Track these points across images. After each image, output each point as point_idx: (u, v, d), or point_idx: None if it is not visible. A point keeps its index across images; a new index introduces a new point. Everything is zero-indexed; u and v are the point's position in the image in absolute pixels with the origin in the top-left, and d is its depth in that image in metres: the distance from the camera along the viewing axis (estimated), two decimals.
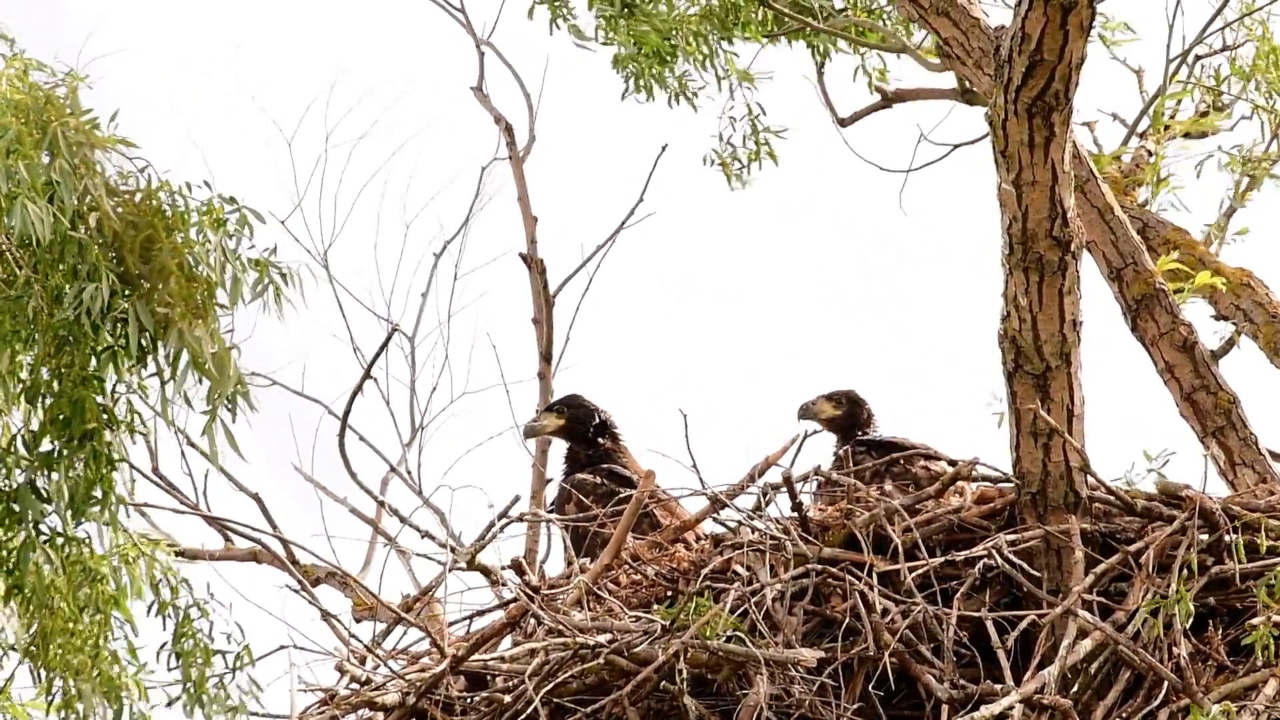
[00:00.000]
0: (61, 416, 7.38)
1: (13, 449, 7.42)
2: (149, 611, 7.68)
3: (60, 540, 7.45)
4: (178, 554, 7.88)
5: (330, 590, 10.89)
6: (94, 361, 7.36)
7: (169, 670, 7.65)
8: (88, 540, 7.52)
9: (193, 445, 8.90)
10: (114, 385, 7.45)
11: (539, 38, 11.78)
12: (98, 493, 7.43)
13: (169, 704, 7.61)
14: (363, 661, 9.32)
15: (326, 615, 9.57)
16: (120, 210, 7.35)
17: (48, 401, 7.39)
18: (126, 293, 7.31)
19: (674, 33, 11.52)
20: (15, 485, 7.41)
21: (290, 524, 10.65)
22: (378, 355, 10.34)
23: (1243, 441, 10.07)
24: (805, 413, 10.30)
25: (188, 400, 7.35)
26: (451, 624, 9.54)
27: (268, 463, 10.69)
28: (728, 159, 11.88)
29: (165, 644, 7.67)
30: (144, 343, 7.31)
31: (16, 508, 7.39)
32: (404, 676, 9.14)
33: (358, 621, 10.39)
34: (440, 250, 11.82)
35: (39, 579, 7.40)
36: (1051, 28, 8.65)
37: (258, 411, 7.50)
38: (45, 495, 7.39)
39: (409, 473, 11.24)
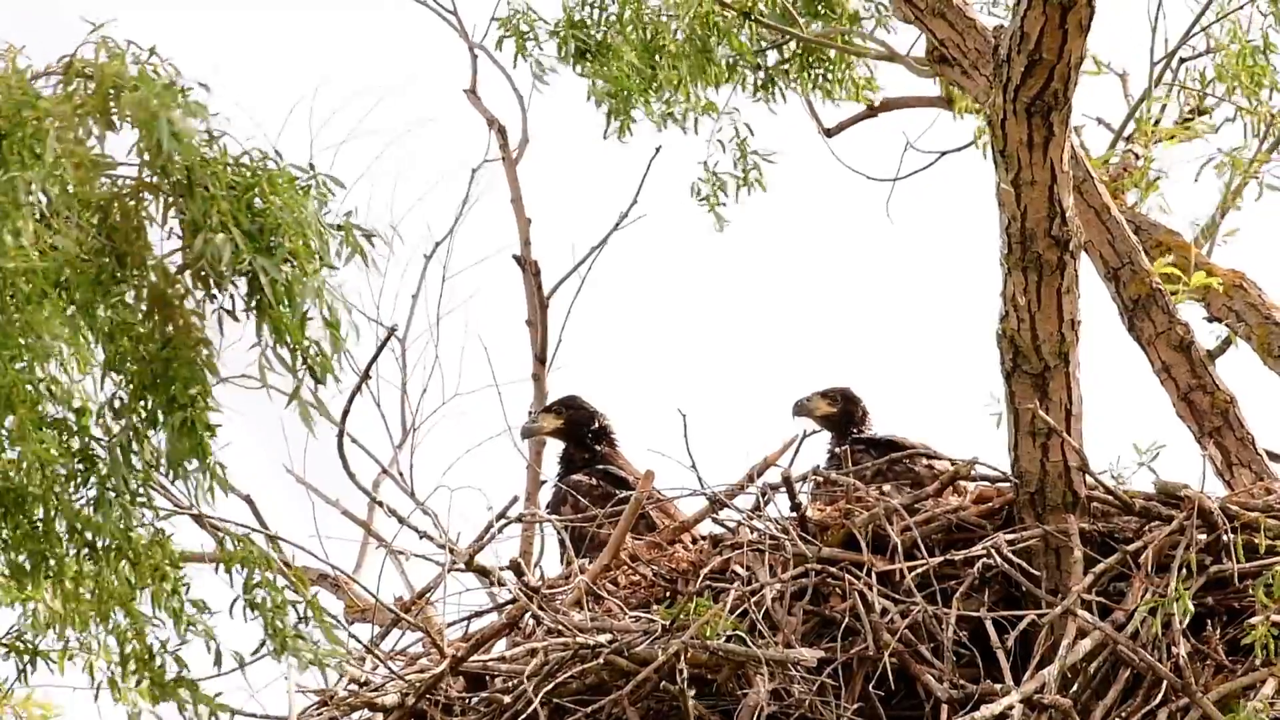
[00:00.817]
0: (159, 380, 7.22)
1: (102, 412, 7.27)
2: (216, 569, 7.61)
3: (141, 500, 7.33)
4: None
5: (322, 592, 10.86)
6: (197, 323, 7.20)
7: (245, 622, 7.56)
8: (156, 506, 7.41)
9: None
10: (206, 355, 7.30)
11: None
12: (193, 462, 7.29)
13: (255, 654, 7.53)
14: (361, 662, 9.30)
15: (323, 616, 9.51)
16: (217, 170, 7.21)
17: (134, 368, 7.23)
18: (252, 250, 7.12)
19: (651, 61, 11.44)
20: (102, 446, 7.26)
21: (282, 526, 10.61)
22: (375, 357, 10.28)
23: (1240, 441, 10.10)
24: (800, 410, 10.29)
25: (311, 363, 7.17)
26: (450, 625, 9.53)
27: (259, 465, 10.66)
28: (712, 192, 11.79)
29: (235, 599, 7.58)
30: (265, 301, 7.14)
31: (104, 469, 7.25)
32: (403, 677, 9.12)
33: (350, 623, 10.36)
34: (430, 252, 11.79)
35: (114, 533, 7.27)
36: (1050, 27, 8.66)
37: (340, 382, 7.38)
38: (144, 461, 7.26)
39: (400, 475, 11.20)
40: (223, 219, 7.02)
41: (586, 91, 11.52)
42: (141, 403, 7.17)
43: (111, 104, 7.02)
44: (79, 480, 7.23)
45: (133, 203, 7.11)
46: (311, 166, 7.21)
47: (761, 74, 11.69)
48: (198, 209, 7.02)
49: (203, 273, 7.10)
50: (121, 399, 7.19)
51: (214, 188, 7.04)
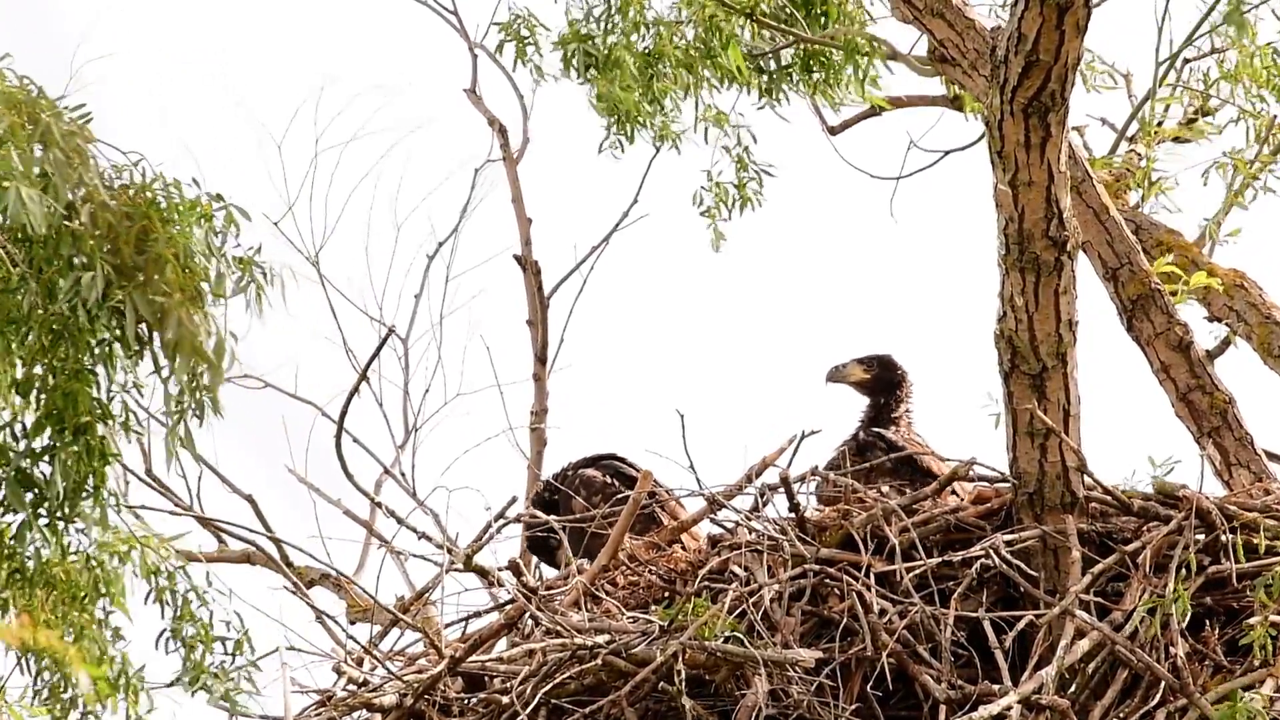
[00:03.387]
0: (55, 410, 7.33)
1: (4, 442, 7.37)
2: (147, 599, 7.67)
3: (61, 526, 7.41)
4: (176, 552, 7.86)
5: (324, 592, 10.89)
6: (89, 355, 7.32)
7: (167, 654, 7.65)
8: (86, 529, 7.48)
9: (185, 447, 8.85)
10: (108, 385, 7.42)
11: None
12: (89, 487, 7.39)
13: (171, 683, 7.59)
14: (360, 663, 9.30)
15: (321, 617, 9.54)
16: (114, 202, 7.31)
17: (41, 397, 7.35)
18: (123, 284, 7.26)
19: (653, 73, 11.40)
20: (6, 476, 7.36)
21: (284, 526, 10.64)
22: (374, 357, 10.33)
23: (1238, 441, 10.08)
24: (834, 375, 10.23)
25: (189, 390, 7.30)
26: (448, 625, 9.54)
27: (261, 465, 10.69)
28: (716, 204, 11.75)
29: (163, 631, 7.64)
30: (140, 333, 7.27)
31: (4, 500, 7.34)
32: (401, 678, 9.12)
33: (352, 623, 10.37)
34: (433, 252, 11.82)
35: (38, 559, 7.35)
36: (1047, 28, 8.65)
37: (233, 408, 7.49)
38: (38, 487, 7.35)
39: (403, 474, 11.23)
40: (92, 257, 7.13)
41: (588, 100, 11.50)
42: (39, 431, 7.30)
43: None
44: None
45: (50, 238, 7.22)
46: (219, 197, 7.30)
47: (765, 78, 11.67)
48: (68, 248, 7.15)
49: (82, 307, 7.21)
50: (24, 425, 7.31)
51: (93, 224, 7.15)
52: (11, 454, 7.35)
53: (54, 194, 7.18)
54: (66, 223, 7.17)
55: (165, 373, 7.31)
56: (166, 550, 7.75)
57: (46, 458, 7.35)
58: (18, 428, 7.40)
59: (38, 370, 7.33)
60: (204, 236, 7.31)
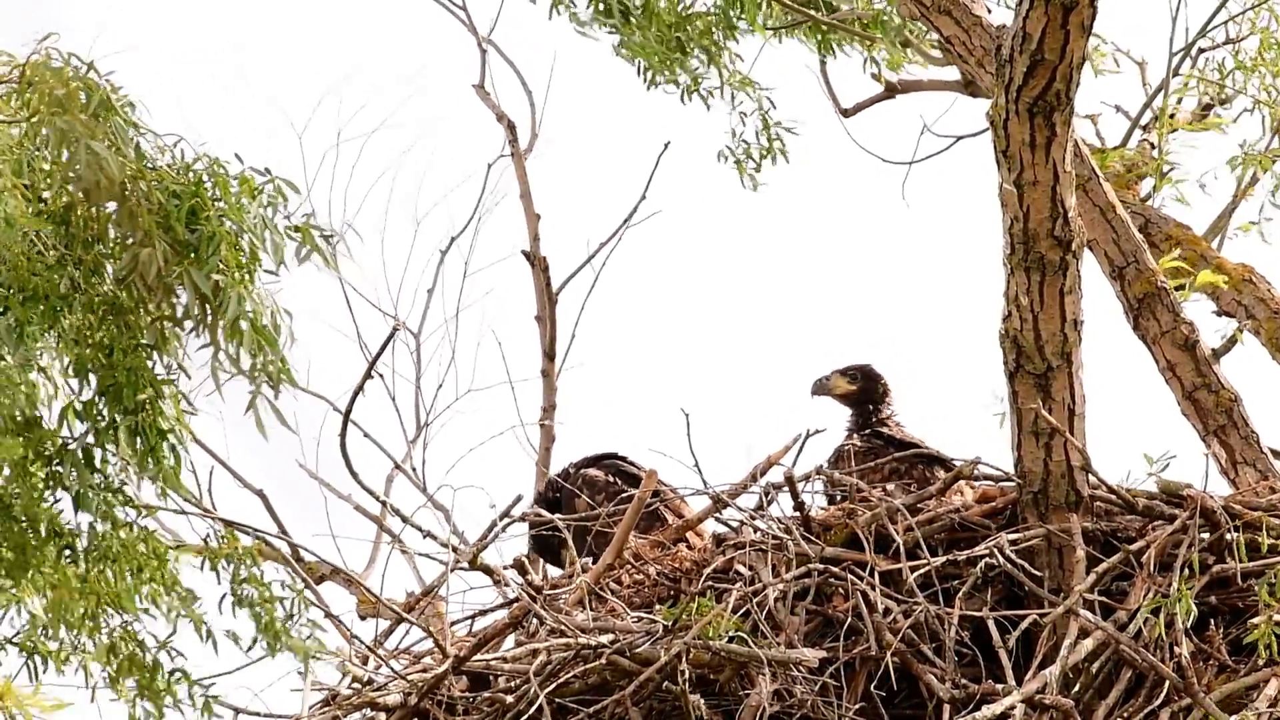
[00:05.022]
0: (112, 387, 7.32)
1: (66, 417, 7.36)
2: (202, 566, 7.68)
3: (113, 503, 7.42)
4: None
5: (335, 588, 10.91)
6: (141, 334, 7.28)
7: (234, 617, 7.63)
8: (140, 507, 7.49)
9: (197, 442, 8.88)
10: (163, 363, 7.40)
11: (541, 35, 11.76)
12: (153, 461, 7.38)
13: (249, 647, 7.58)
14: (365, 661, 9.34)
15: (330, 615, 9.57)
16: (162, 181, 7.30)
17: (92, 377, 7.33)
18: (179, 260, 7.23)
19: (680, 31, 11.46)
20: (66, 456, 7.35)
21: (294, 522, 10.66)
22: (380, 352, 10.33)
23: (1244, 440, 10.07)
24: (819, 388, 10.22)
25: (239, 367, 7.26)
26: (454, 623, 9.55)
27: (271, 460, 10.71)
28: (741, 157, 11.80)
29: (224, 595, 7.64)
30: (197, 310, 7.23)
31: (70, 475, 7.34)
32: (406, 677, 9.15)
33: (362, 620, 10.40)
34: (446, 247, 11.83)
35: (93, 535, 7.36)
36: (1052, 27, 8.64)
37: (294, 387, 7.47)
38: (97, 468, 7.34)
39: (414, 470, 11.25)
40: (148, 232, 7.10)
41: (617, 46, 11.49)
42: (98, 409, 7.27)
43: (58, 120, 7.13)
44: (51, 484, 7.31)
45: (86, 214, 7.21)
46: (267, 170, 7.28)
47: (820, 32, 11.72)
48: (126, 223, 7.11)
49: (136, 284, 7.19)
50: (84, 403, 7.29)
51: (146, 201, 7.12)
52: (67, 437, 7.32)
53: (120, 154, 7.15)
54: (124, 197, 7.13)
55: (218, 349, 7.26)
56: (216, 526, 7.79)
57: (109, 434, 7.31)
58: (76, 406, 7.36)
59: (86, 350, 7.29)
60: (257, 210, 7.29)
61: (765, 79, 11.81)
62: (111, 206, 7.23)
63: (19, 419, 7.22)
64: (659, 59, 11.42)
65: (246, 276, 7.24)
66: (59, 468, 7.33)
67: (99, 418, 7.31)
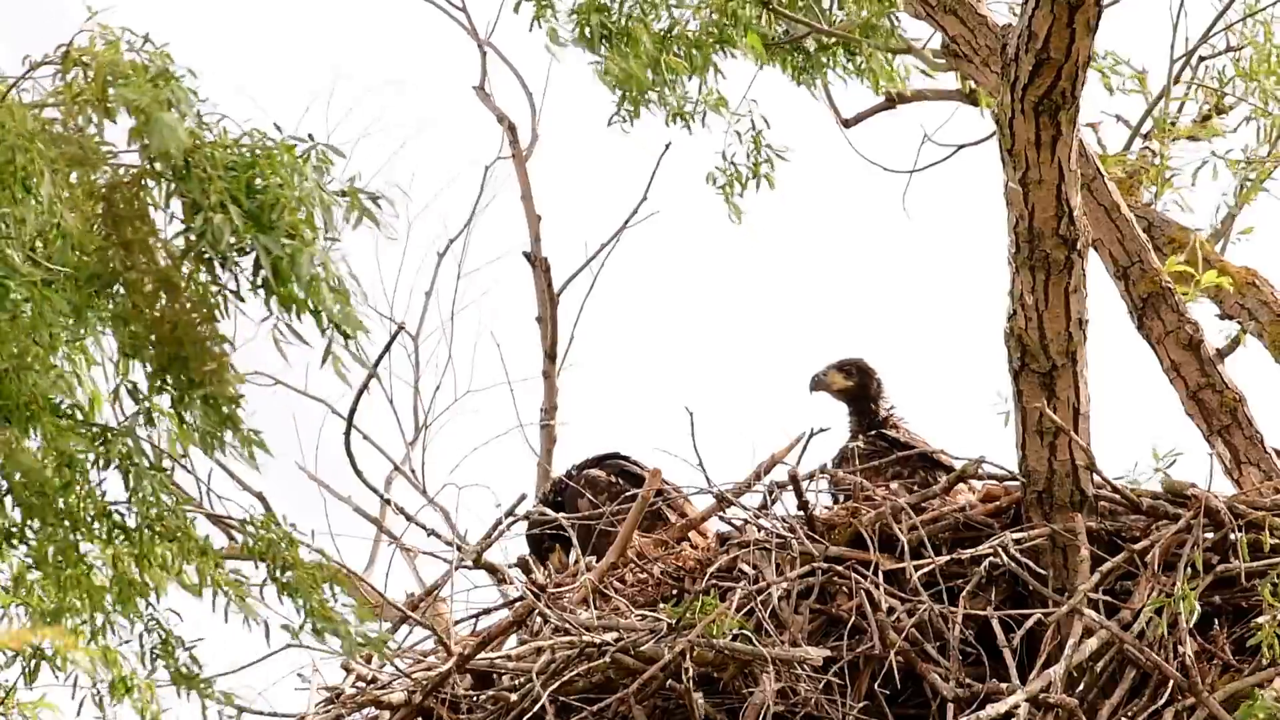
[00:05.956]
0: (172, 360, 7.25)
1: (118, 397, 7.31)
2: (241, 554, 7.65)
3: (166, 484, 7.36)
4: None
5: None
6: (204, 306, 7.22)
7: (279, 601, 7.57)
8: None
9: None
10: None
11: (540, 36, 11.75)
12: (223, 432, 7.32)
13: (297, 633, 7.53)
14: (369, 660, 9.32)
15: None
16: (223, 149, 7.26)
17: (150, 353, 7.27)
18: (249, 228, 7.16)
19: (665, 51, 11.36)
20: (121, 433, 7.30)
21: (294, 524, 10.63)
22: (383, 354, 10.33)
23: (1248, 440, 10.07)
24: (817, 384, 10.19)
25: (337, 326, 7.19)
26: (457, 623, 9.54)
27: (271, 462, 10.67)
28: (727, 183, 11.72)
29: (264, 580, 7.59)
30: (267, 279, 7.17)
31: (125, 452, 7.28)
32: (410, 675, 9.14)
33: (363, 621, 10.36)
34: (443, 249, 11.83)
35: (144, 514, 7.31)
36: (1058, 26, 8.64)
37: (369, 336, 7.40)
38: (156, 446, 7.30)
39: (413, 471, 11.23)
40: (220, 200, 7.06)
41: (597, 73, 11.46)
42: (161, 385, 7.21)
43: (111, 92, 7.07)
44: (100, 465, 7.27)
45: (134, 190, 7.15)
46: (310, 136, 7.24)
47: (801, 56, 11.64)
48: (196, 191, 7.06)
49: (205, 254, 7.14)
50: (134, 383, 7.23)
51: (211, 170, 7.08)
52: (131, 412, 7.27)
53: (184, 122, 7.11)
54: (189, 166, 7.07)
55: (297, 315, 7.19)
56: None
57: (174, 408, 7.25)
58: (129, 385, 7.30)
59: (136, 329, 7.23)
60: (311, 177, 7.24)
61: (764, 93, 11.78)
62: (171, 177, 7.18)
63: (63, 405, 7.19)
64: (638, 90, 11.31)
65: (310, 240, 7.18)
66: (103, 447, 7.28)
67: (160, 391, 7.24)
